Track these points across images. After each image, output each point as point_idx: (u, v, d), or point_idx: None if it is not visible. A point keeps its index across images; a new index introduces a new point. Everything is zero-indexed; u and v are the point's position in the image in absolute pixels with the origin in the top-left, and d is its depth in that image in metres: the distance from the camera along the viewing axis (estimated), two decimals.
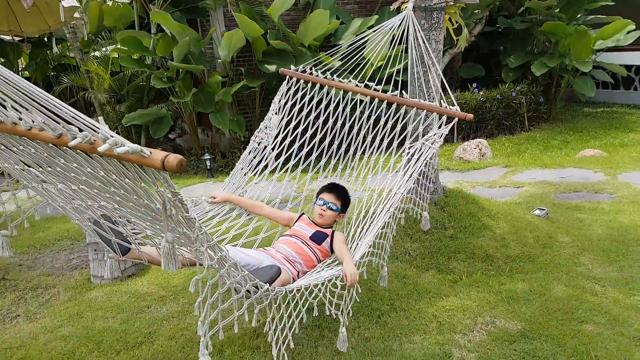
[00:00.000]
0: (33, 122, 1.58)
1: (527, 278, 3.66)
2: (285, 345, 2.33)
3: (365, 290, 3.48)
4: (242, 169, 3.62)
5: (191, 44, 7.97)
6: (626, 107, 10.90)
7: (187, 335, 3.15)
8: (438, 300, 3.41)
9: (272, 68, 8.16)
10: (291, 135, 3.71)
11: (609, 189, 5.56)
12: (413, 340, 3.01)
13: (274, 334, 2.26)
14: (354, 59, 3.98)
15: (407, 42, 3.85)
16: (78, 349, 3.05)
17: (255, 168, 3.62)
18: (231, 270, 2.04)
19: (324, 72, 3.85)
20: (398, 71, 4.22)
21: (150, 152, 1.42)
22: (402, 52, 4.03)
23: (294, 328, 2.42)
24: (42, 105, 1.51)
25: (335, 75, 3.84)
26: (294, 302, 2.58)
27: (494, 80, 10.51)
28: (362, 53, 4.02)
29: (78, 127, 1.54)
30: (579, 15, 9.91)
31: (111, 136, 1.44)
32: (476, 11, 9.32)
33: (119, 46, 8.36)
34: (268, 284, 2.34)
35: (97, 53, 9.31)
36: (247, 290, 2.21)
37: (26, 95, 1.51)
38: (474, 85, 9.64)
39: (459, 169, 7.07)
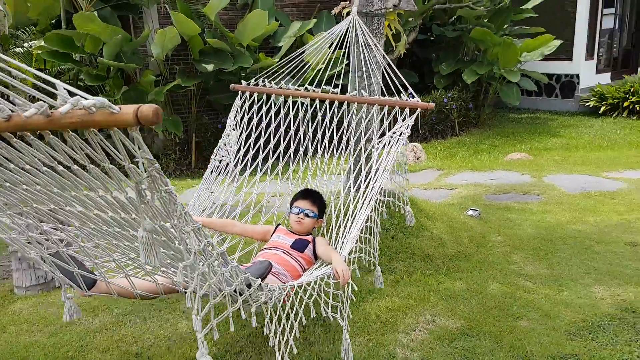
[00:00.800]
0: None
1: (463, 277, 3.79)
2: (288, 350, 2.26)
3: None
4: (206, 189, 3.53)
5: (123, 43, 7.69)
6: (548, 113, 11.56)
7: (122, 348, 3.02)
8: (381, 300, 3.46)
9: (209, 67, 8.02)
10: (253, 148, 3.71)
11: (536, 190, 5.87)
12: (357, 342, 3.03)
13: (275, 337, 2.20)
14: (294, 62, 3.97)
15: (348, 47, 3.91)
16: None
17: (220, 186, 3.56)
18: (219, 259, 1.90)
19: (277, 83, 3.84)
20: (338, 75, 4.26)
21: (120, 108, 1.25)
22: (342, 55, 4.07)
23: (294, 331, 2.36)
24: None
25: (290, 84, 3.84)
26: (290, 302, 2.51)
27: (427, 86, 10.85)
28: (301, 56, 4.04)
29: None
30: (505, 26, 10.42)
31: (71, 95, 1.27)
32: (410, 19, 9.58)
33: (43, 43, 7.94)
34: (260, 280, 2.23)
35: (18, 49, 8.79)
36: (237, 291, 2.08)
37: None
38: (409, 91, 9.89)
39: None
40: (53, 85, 1.31)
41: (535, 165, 7.08)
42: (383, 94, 3.96)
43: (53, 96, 1.36)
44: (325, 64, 4.32)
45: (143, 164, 1.42)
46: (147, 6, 8.39)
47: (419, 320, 3.24)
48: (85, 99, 1.26)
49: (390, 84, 3.58)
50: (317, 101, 3.70)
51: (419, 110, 3.30)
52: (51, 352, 2.97)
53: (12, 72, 1.36)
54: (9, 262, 4.18)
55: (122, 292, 2.33)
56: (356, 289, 2.88)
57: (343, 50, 3.89)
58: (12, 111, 1.37)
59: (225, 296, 2.01)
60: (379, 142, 3.43)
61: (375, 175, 3.17)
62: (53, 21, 8.56)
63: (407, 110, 3.32)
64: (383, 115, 3.45)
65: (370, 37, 3.79)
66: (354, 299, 2.98)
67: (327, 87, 3.66)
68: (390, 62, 3.55)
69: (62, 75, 8.53)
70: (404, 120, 3.30)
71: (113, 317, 3.37)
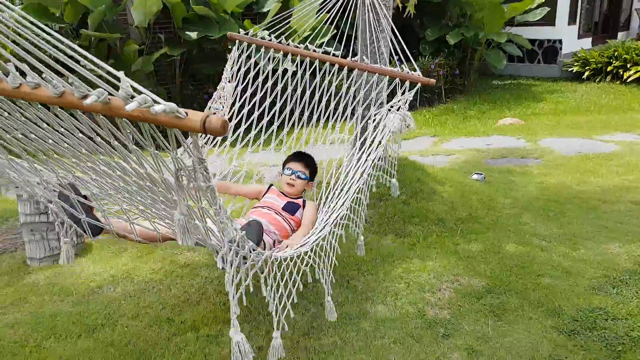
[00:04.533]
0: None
1: (479, 238, 3.81)
2: (285, 314, 2.23)
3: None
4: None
5: (104, 10, 7.39)
6: (531, 79, 11.64)
7: (151, 314, 2.96)
8: (401, 263, 3.46)
9: (193, 35, 7.79)
10: (248, 104, 3.55)
11: (533, 154, 5.92)
12: (386, 301, 3.03)
13: (274, 302, 2.16)
14: (282, 29, 3.78)
15: (354, 9, 3.80)
16: (31, 336, 2.77)
17: (212, 141, 3.44)
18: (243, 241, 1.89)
19: (277, 37, 3.69)
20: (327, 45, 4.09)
21: (187, 113, 1.24)
22: (328, 23, 3.85)
23: (292, 297, 2.33)
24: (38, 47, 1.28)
25: (291, 40, 3.70)
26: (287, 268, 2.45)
27: (412, 53, 10.77)
28: (289, 22, 3.90)
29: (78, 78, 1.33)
30: None
31: (137, 92, 1.24)
32: None
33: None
34: (256, 244, 2.20)
35: None
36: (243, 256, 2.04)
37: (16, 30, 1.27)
38: (396, 58, 9.81)
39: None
40: (117, 78, 1.27)
41: (529, 130, 7.14)
42: (390, 61, 3.87)
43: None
44: (312, 31, 4.17)
45: (194, 162, 1.41)
46: None
47: (443, 280, 3.25)
48: (154, 100, 1.23)
49: (393, 53, 3.50)
50: (316, 62, 3.54)
51: (418, 84, 3.23)
52: (79, 319, 2.90)
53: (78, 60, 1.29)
54: (16, 235, 4.06)
55: (124, 234, 2.32)
56: (340, 252, 2.83)
57: (330, 16, 3.72)
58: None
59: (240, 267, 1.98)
60: (377, 113, 3.35)
61: (369, 148, 3.10)
62: None
63: (407, 83, 3.23)
64: (383, 85, 3.37)
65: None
66: (337, 264, 2.92)
67: (329, 49, 3.55)
68: (395, 29, 3.46)
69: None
70: (403, 94, 3.22)
71: (134, 284, 3.30)
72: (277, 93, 3.55)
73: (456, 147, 6.49)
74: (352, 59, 3.52)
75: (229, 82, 3.64)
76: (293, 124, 3.53)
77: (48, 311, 3.01)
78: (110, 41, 7.91)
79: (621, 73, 10.22)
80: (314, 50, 3.61)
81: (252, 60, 3.63)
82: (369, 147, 3.12)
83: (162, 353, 2.62)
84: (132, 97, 1.24)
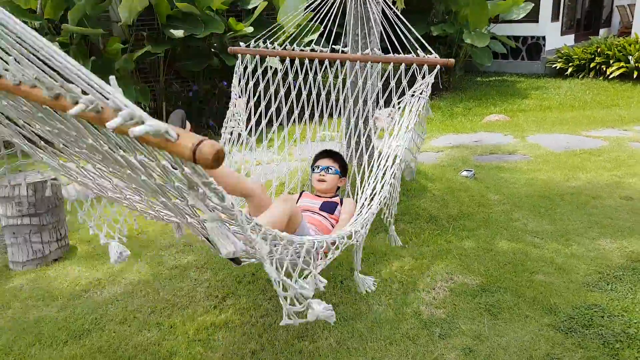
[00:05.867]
0: (23, 75, 1.25)
1: (471, 235, 3.78)
2: None
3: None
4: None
5: (87, 6, 7.24)
6: (515, 76, 11.70)
7: (140, 318, 2.88)
8: (394, 261, 3.41)
9: (178, 33, 7.66)
10: (266, 115, 3.60)
11: (522, 150, 5.92)
12: (380, 301, 2.99)
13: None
14: (268, 26, 3.83)
15: (342, 5, 3.77)
16: (15, 343, 2.67)
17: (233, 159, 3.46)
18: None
19: (281, 44, 3.69)
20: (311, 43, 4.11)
21: (178, 136, 1.04)
22: (315, 20, 3.84)
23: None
24: (35, 56, 1.18)
25: (294, 44, 3.71)
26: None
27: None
28: (282, 29, 3.90)
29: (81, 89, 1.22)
30: None
31: (125, 106, 1.08)
32: None
33: None
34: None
35: None
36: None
37: (15, 40, 1.16)
38: (425, 47, 9.83)
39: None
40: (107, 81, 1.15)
41: (515, 126, 7.15)
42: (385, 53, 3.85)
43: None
44: (300, 29, 4.17)
45: (199, 187, 1.24)
46: None
47: (437, 278, 3.21)
48: (142, 120, 1.05)
49: (398, 39, 3.47)
50: (326, 62, 3.56)
51: (438, 67, 3.19)
52: (65, 325, 2.81)
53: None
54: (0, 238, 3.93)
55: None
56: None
57: (316, 14, 3.73)
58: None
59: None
60: (400, 100, 3.34)
61: (397, 135, 3.08)
62: None
63: (425, 67, 3.21)
64: (400, 73, 3.34)
65: None
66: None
67: (337, 47, 3.55)
68: (402, 17, 3.42)
69: None
70: (423, 78, 3.20)
71: (121, 287, 3.21)
72: (292, 98, 3.60)
73: (444, 143, 6.47)
74: (363, 52, 3.50)
75: (239, 97, 3.62)
76: (315, 123, 3.64)
77: (32, 317, 2.91)
78: (93, 38, 7.76)
79: (604, 69, 10.31)
80: (321, 51, 3.60)
81: (259, 72, 3.64)
82: (397, 134, 3.09)
83: (151, 359, 2.55)
84: (119, 109, 1.12)
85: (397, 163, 2.92)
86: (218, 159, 1.01)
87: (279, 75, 3.59)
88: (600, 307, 2.81)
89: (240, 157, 3.51)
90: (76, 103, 1.17)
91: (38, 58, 1.16)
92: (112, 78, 1.17)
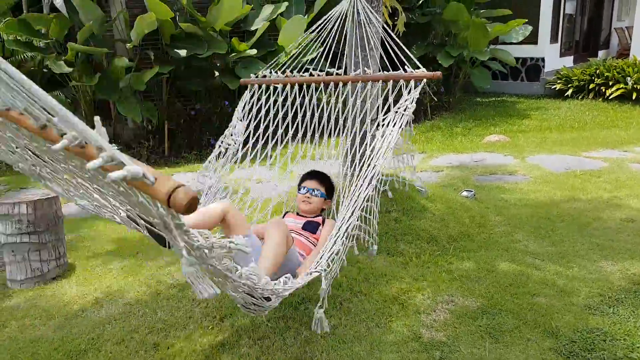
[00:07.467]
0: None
1: (471, 256, 3.77)
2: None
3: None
4: (215, 177, 3.44)
5: (94, 26, 7.32)
6: (514, 97, 11.76)
7: (137, 338, 2.85)
8: (394, 283, 3.39)
9: (182, 53, 7.75)
10: (262, 138, 3.72)
11: (522, 170, 5.93)
12: (380, 324, 2.96)
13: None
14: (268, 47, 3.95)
15: (346, 27, 3.84)
16: None
17: (230, 173, 3.54)
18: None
19: (283, 72, 3.81)
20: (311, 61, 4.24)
21: (155, 179, 1.07)
22: (316, 40, 3.92)
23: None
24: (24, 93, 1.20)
25: (295, 71, 3.87)
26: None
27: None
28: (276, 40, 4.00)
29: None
30: (473, 9, 10.49)
31: (105, 148, 1.11)
32: None
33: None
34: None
35: None
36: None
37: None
38: (412, 62, 9.89)
39: None
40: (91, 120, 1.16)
41: (515, 147, 7.17)
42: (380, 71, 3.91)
43: None
44: (298, 49, 4.26)
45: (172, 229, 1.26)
46: None
47: (437, 300, 3.19)
48: (122, 163, 1.08)
49: (394, 58, 3.50)
50: (307, 85, 3.67)
51: (424, 80, 3.21)
52: (61, 345, 2.78)
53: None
54: None
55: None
56: (346, 264, 2.80)
57: (317, 33, 3.82)
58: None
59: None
60: (384, 118, 3.34)
61: (377, 153, 3.06)
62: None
63: (412, 82, 3.23)
64: (387, 91, 3.36)
65: (372, 12, 3.71)
66: (338, 276, 2.85)
67: (332, 70, 3.62)
68: (393, 35, 3.46)
69: (25, 63, 8.06)
70: (409, 93, 3.20)
71: (119, 307, 3.19)
72: (288, 122, 3.70)
73: (444, 163, 6.48)
74: (355, 73, 3.55)
75: (240, 120, 3.69)
76: (303, 144, 3.73)
77: (29, 336, 2.89)
78: (98, 57, 7.83)
79: (603, 90, 10.36)
80: (318, 75, 3.74)
81: (264, 98, 3.75)
82: (377, 153, 3.08)
83: None
84: (99, 151, 1.13)
85: (372, 184, 2.87)
86: (191, 206, 1.06)
87: (280, 99, 3.68)
88: (602, 331, 2.79)
89: (240, 174, 3.56)
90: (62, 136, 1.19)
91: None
92: (97, 119, 1.18)
